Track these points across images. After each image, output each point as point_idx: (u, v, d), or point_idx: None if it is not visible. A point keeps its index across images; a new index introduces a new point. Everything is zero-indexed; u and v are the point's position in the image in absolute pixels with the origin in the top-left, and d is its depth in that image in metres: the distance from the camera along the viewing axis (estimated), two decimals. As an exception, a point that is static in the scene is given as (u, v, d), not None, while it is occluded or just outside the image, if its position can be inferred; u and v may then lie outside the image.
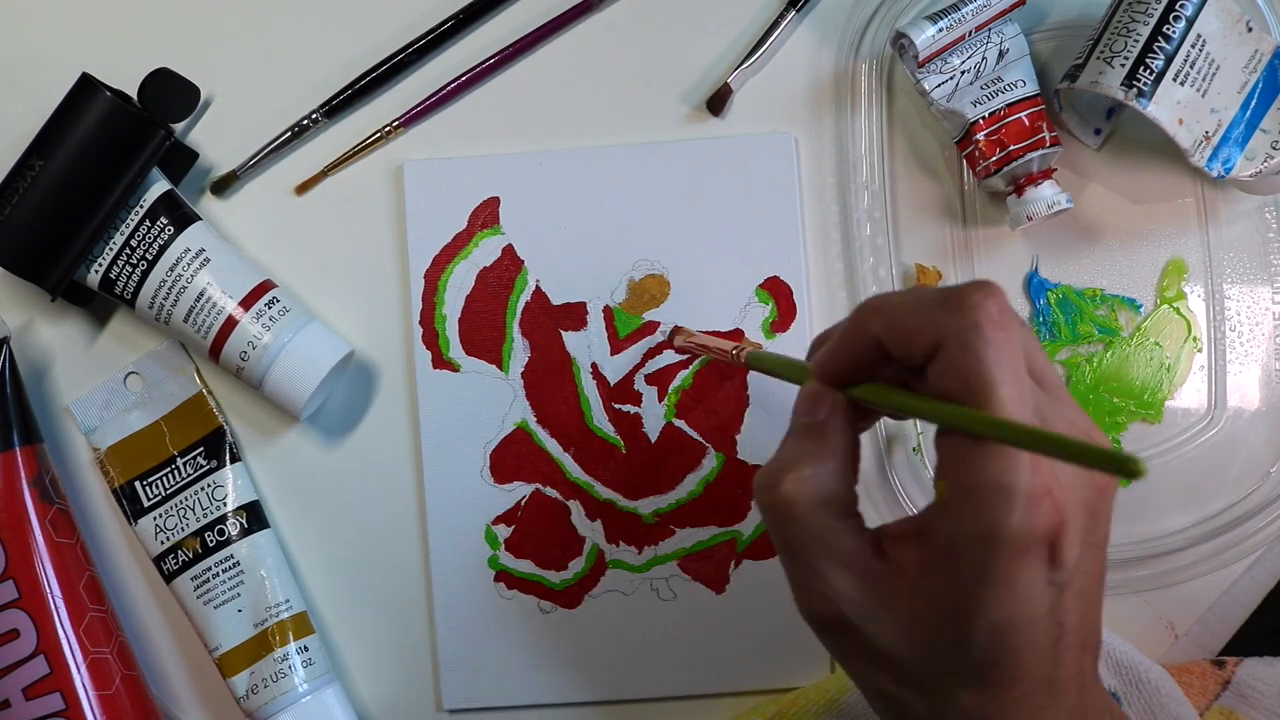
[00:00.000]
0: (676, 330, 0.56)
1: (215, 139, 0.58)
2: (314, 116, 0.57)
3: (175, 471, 0.56)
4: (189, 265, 0.54)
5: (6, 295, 0.58)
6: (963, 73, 0.53)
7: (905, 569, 0.37)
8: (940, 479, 0.36)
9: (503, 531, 0.56)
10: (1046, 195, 0.53)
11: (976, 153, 0.53)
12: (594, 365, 0.56)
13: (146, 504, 0.56)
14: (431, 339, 0.57)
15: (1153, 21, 0.50)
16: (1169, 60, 0.50)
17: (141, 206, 0.54)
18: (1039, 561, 0.35)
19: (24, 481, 0.54)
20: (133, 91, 0.54)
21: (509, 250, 0.57)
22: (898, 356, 0.38)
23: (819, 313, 0.56)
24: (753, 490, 0.40)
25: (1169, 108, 0.50)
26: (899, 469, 0.55)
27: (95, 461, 0.57)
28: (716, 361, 0.56)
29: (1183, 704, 0.51)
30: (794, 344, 0.56)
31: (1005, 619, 0.35)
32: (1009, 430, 0.34)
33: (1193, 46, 0.50)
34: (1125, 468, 0.30)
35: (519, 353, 0.57)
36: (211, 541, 0.55)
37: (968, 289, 0.36)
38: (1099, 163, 0.56)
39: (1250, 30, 0.51)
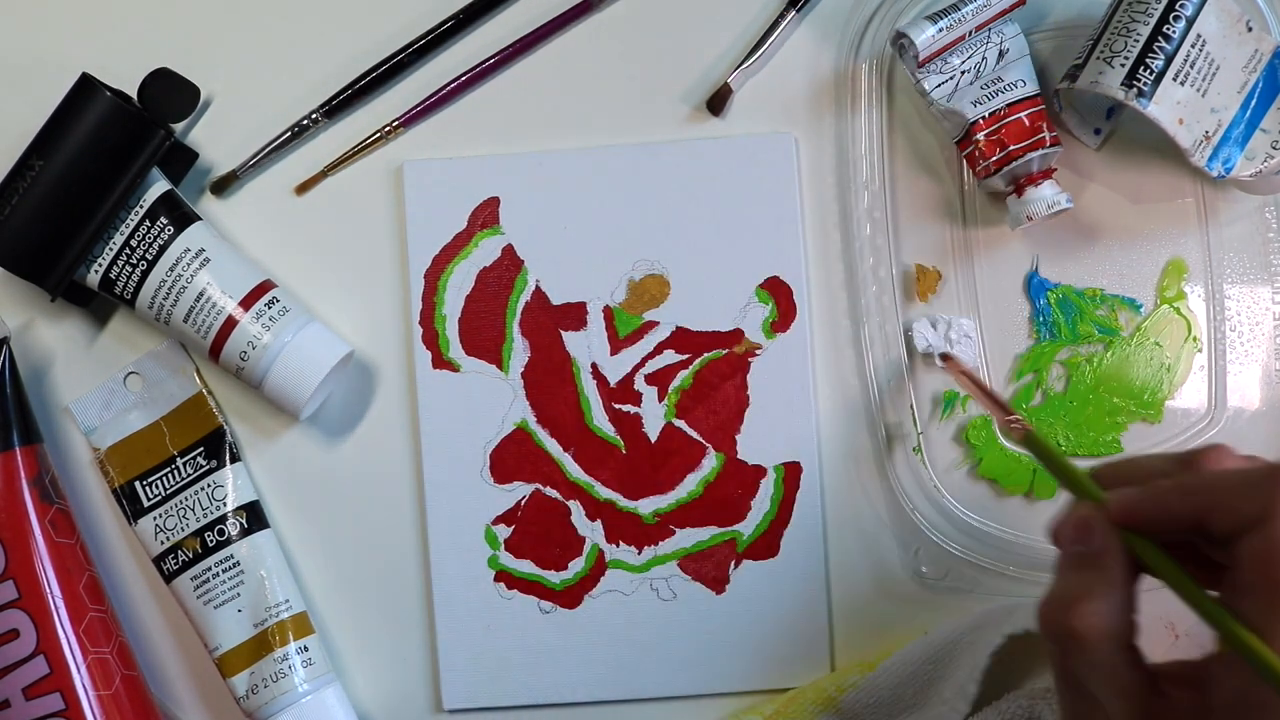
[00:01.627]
0: (947, 359, 0.54)
1: (215, 139, 0.58)
2: (314, 116, 0.57)
3: (175, 471, 0.56)
4: (189, 265, 0.54)
5: (6, 295, 0.58)
6: (963, 73, 0.53)
7: (1180, 712, 0.37)
8: (1224, 627, 0.36)
9: (503, 531, 0.56)
10: (1046, 195, 0.53)
11: (976, 153, 0.53)
12: (594, 365, 0.56)
13: (146, 504, 0.56)
14: (431, 339, 0.57)
15: (1153, 21, 0.50)
16: (1169, 60, 0.50)
17: (141, 206, 0.54)
18: None
19: (24, 481, 0.54)
20: (133, 91, 0.54)
21: (509, 250, 0.57)
22: (1216, 535, 0.37)
23: (819, 313, 0.56)
24: (1039, 620, 0.39)
25: (1169, 108, 0.50)
26: (899, 468, 0.55)
27: (95, 461, 0.57)
28: (717, 362, 0.56)
29: None
30: (794, 344, 0.56)
31: None
32: (1271, 673, 0.34)
33: (1193, 46, 0.50)
34: None
35: (519, 353, 0.57)
36: (211, 541, 0.55)
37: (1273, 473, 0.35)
38: (1099, 163, 0.56)
39: (1250, 30, 0.51)
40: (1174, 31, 0.50)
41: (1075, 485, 0.42)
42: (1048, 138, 0.53)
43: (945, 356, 0.54)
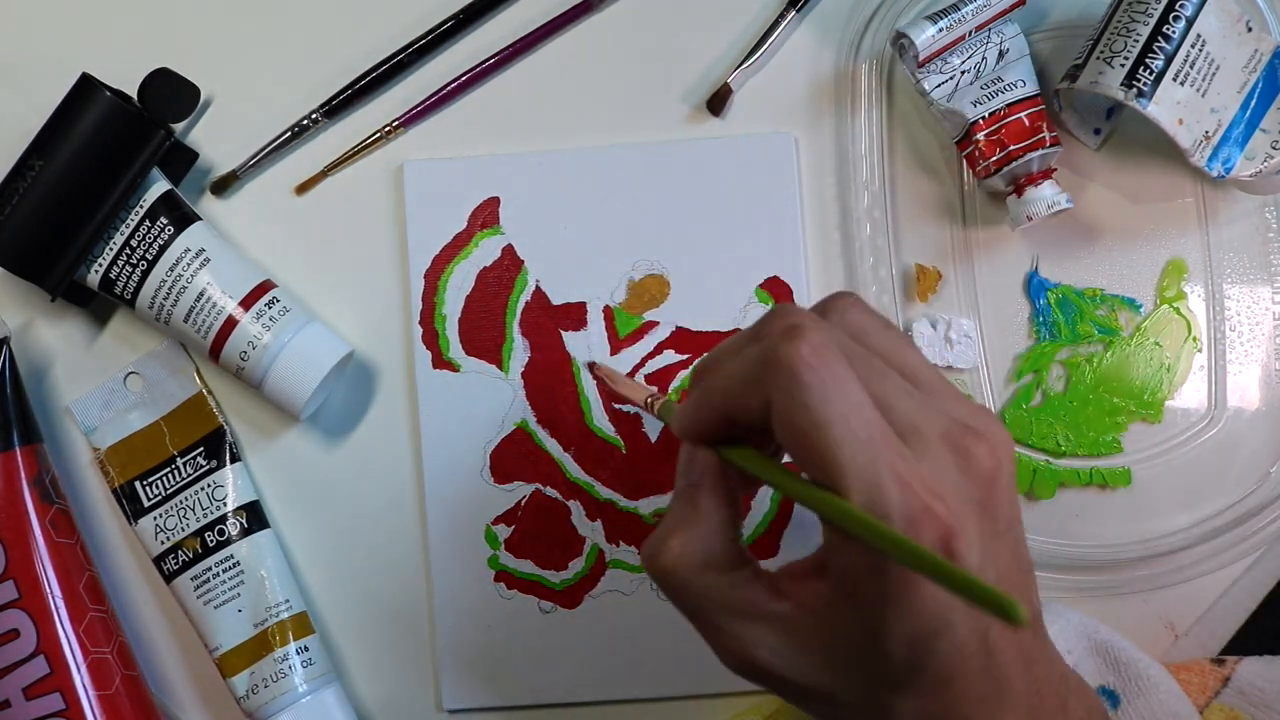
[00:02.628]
0: (593, 365, 0.56)
1: (215, 139, 0.58)
2: (314, 116, 0.57)
3: (175, 471, 0.56)
4: (189, 265, 0.54)
5: (6, 295, 0.58)
6: (963, 73, 0.53)
7: (811, 606, 0.37)
8: (812, 499, 0.36)
9: (503, 531, 0.56)
10: (1046, 195, 0.53)
11: (976, 153, 0.53)
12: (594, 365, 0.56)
13: (146, 504, 0.56)
14: (431, 339, 0.57)
15: (1153, 21, 0.50)
16: (1169, 60, 0.50)
17: (141, 206, 0.54)
18: None
19: (24, 481, 0.54)
20: (133, 91, 0.54)
21: (509, 250, 0.57)
22: (745, 425, 0.38)
23: (819, 313, 0.56)
24: (642, 563, 0.40)
25: (1169, 108, 0.50)
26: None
27: (95, 461, 0.57)
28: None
29: (1182, 700, 0.51)
30: (794, 344, 0.56)
31: (920, 631, 0.35)
32: (863, 526, 0.33)
33: (1193, 46, 0.50)
34: (1003, 610, 0.28)
35: (519, 353, 0.57)
36: (211, 541, 0.55)
37: (775, 338, 0.35)
38: (1099, 163, 0.56)
39: (1250, 30, 0.51)
40: (1174, 31, 0.50)
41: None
42: (1048, 138, 0.53)
43: (591, 365, 0.55)
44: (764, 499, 0.56)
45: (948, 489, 0.35)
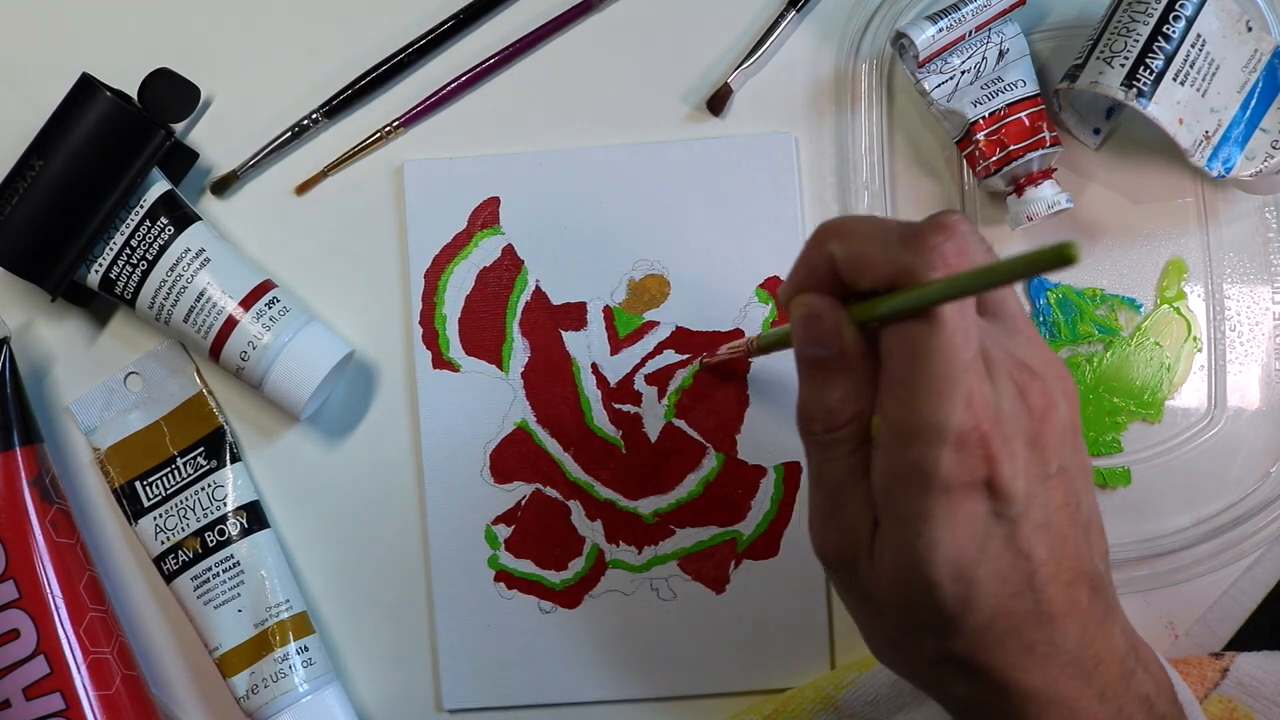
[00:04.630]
0: (702, 360, 0.55)
1: (215, 139, 0.58)
2: (314, 116, 0.57)
3: (175, 471, 0.56)
4: (189, 265, 0.54)
5: (6, 295, 0.58)
6: (963, 73, 0.53)
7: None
8: (875, 414, 0.36)
9: (503, 531, 0.56)
10: (1046, 195, 0.53)
11: (976, 153, 0.53)
12: (594, 365, 0.56)
13: (146, 504, 0.56)
14: (431, 339, 0.57)
15: (1152, 21, 0.50)
16: (1169, 60, 0.50)
17: (141, 206, 0.54)
18: (977, 496, 0.35)
19: (24, 481, 0.54)
20: (133, 91, 0.54)
21: (509, 250, 0.57)
22: (848, 282, 0.37)
23: (819, 313, 0.56)
24: (800, 427, 0.39)
25: (1169, 107, 0.50)
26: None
27: (95, 461, 0.57)
28: (723, 362, 0.56)
29: (1182, 688, 0.51)
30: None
31: (957, 555, 0.35)
32: (950, 285, 0.34)
33: (1192, 46, 0.50)
34: (1058, 256, 0.29)
35: (519, 353, 0.57)
36: (211, 541, 0.55)
37: (929, 230, 0.35)
38: (1099, 163, 0.56)
39: (1250, 30, 0.51)
40: (1174, 31, 0.50)
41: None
42: (1048, 138, 0.53)
43: (703, 359, 0.55)
44: (764, 499, 0.56)
45: (1004, 416, 0.35)
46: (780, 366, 0.56)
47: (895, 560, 0.36)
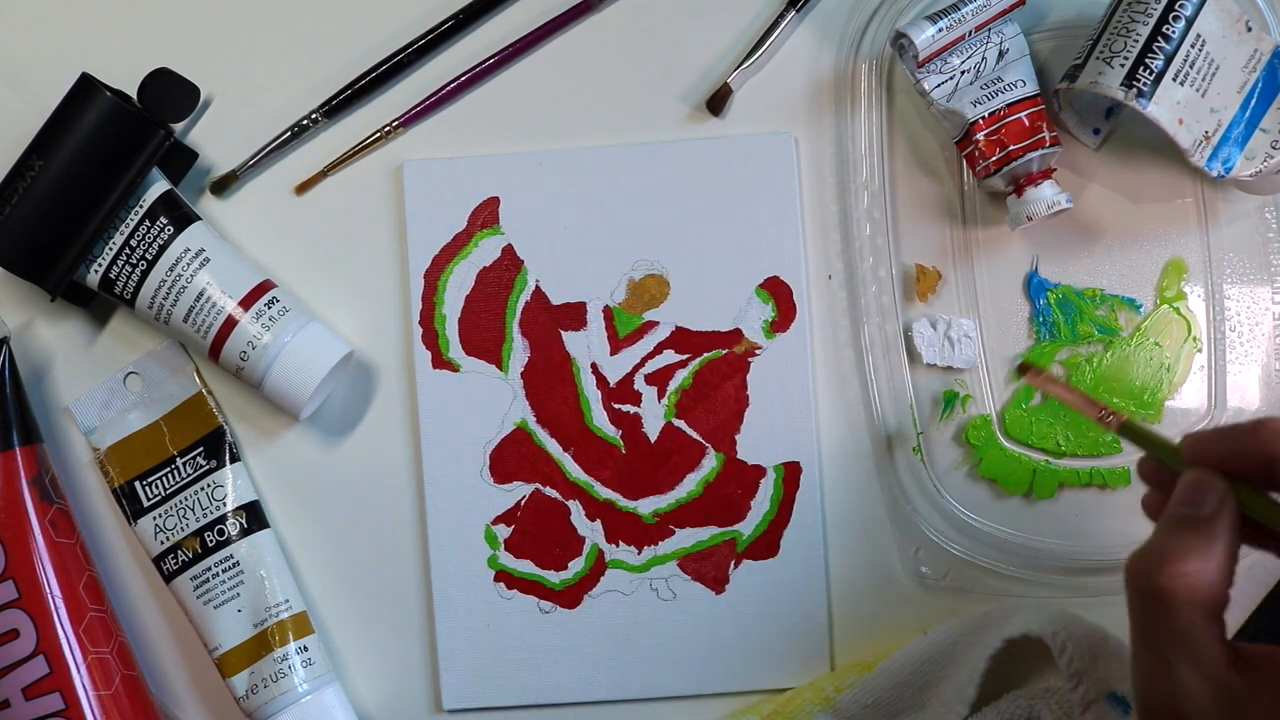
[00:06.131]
0: (1028, 369, 0.52)
1: (215, 139, 0.58)
2: (314, 116, 0.57)
3: (175, 471, 0.56)
4: (189, 265, 0.54)
5: (6, 295, 0.58)
6: (963, 73, 0.53)
7: (1261, 694, 0.37)
8: None
9: (503, 531, 0.56)
10: (1046, 195, 0.53)
11: (976, 153, 0.53)
12: (594, 365, 0.56)
13: (146, 504, 0.56)
14: (431, 339, 0.57)
15: (1152, 21, 0.50)
16: (1169, 60, 0.50)
17: (141, 206, 0.54)
18: None
19: (24, 481, 0.54)
20: (133, 91, 0.54)
21: (509, 250, 0.57)
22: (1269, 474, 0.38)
23: (819, 313, 0.56)
24: (1127, 572, 0.40)
25: (1169, 108, 0.50)
26: (899, 468, 0.55)
27: (95, 461, 0.57)
28: (716, 362, 0.56)
29: None
30: (793, 344, 0.56)
31: None
32: None
33: (1192, 46, 0.50)
34: None
35: (519, 353, 0.57)
36: (211, 541, 0.55)
37: None
38: (1099, 163, 0.56)
39: (1250, 30, 0.51)
40: (1173, 31, 0.50)
41: (1177, 460, 0.42)
42: (1047, 138, 0.53)
43: (1024, 367, 0.52)
44: (763, 499, 0.56)
45: None
46: (781, 367, 0.56)
47: None
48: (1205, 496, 0.39)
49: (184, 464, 0.56)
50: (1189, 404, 0.55)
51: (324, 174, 0.58)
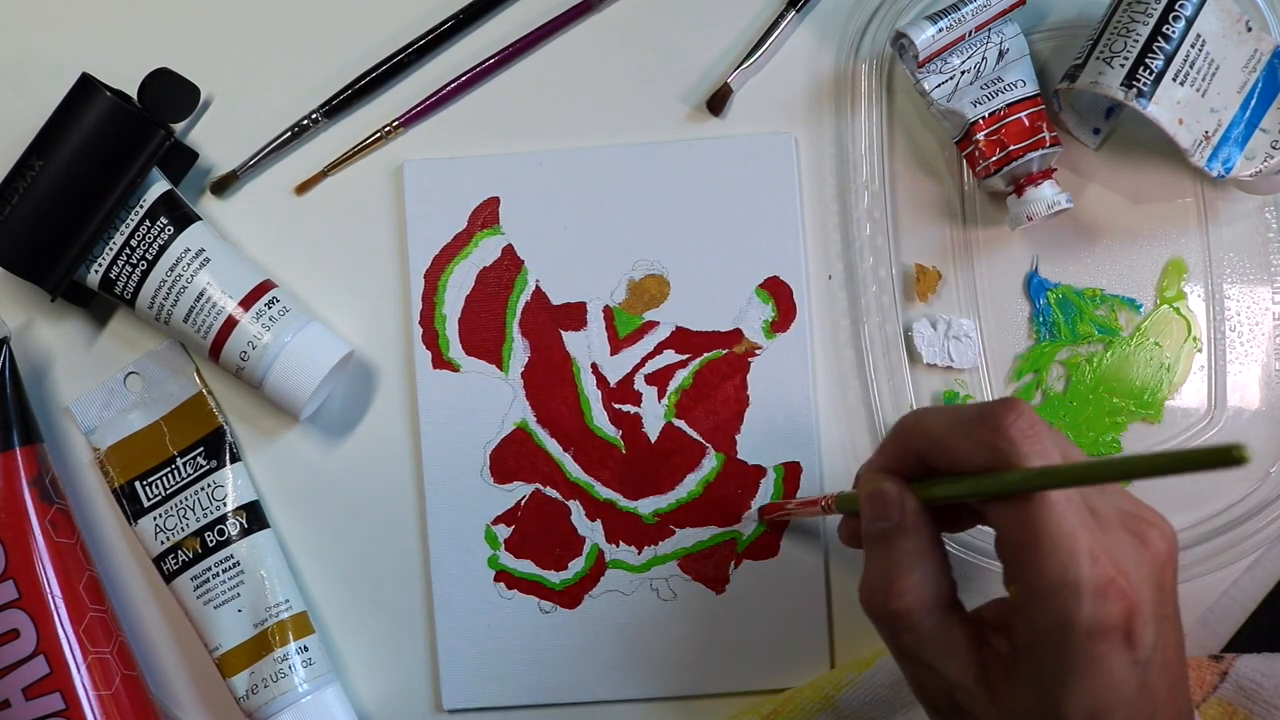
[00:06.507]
0: (764, 510, 0.55)
1: (215, 139, 0.58)
2: (314, 116, 0.57)
3: (175, 471, 0.56)
4: (189, 265, 0.54)
5: (6, 295, 0.58)
6: (963, 73, 0.53)
7: (1001, 658, 0.39)
8: (1009, 584, 0.38)
9: (503, 531, 0.56)
10: (1046, 195, 0.53)
11: (976, 153, 0.53)
12: (594, 365, 0.56)
13: (146, 504, 0.56)
14: (431, 339, 0.57)
15: (1152, 21, 0.50)
16: (1169, 60, 0.50)
17: (141, 206, 0.54)
18: (1118, 646, 0.36)
19: (24, 481, 0.54)
20: (133, 91, 0.54)
21: (509, 250, 0.57)
22: (940, 470, 0.40)
23: (819, 313, 0.56)
24: (863, 606, 0.41)
25: (1169, 108, 0.50)
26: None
27: (95, 461, 0.57)
28: (716, 363, 0.56)
29: None
30: (794, 344, 0.56)
31: (1097, 705, 0.37)
32: (1089, 469, 0.36)
33: (1192, 46, 0.50)
34: (1227, 457, 0.30)
35: (519, 353, 0.57)
36: (211, 541, 0.55)
37: (999, 410, 0.38)
38: (1099, 163, 0.56)
39: (1250, 30, 0.51)
40: (1173, 31, 0.50)
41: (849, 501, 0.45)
42: (1047, 138, 0.53)
43: (762, 511, 0.55)
44: (764, 499, 0.56)
45: (1129, 565, 0.37)
46: (781, 367, 0.56)
47: (1035, 707, 0.38)
48: (888, 503, 0.41)
49: (184, 464, 0.56)
50: (1189, 404, 0.55)
51: (324, 174, 0.58)
